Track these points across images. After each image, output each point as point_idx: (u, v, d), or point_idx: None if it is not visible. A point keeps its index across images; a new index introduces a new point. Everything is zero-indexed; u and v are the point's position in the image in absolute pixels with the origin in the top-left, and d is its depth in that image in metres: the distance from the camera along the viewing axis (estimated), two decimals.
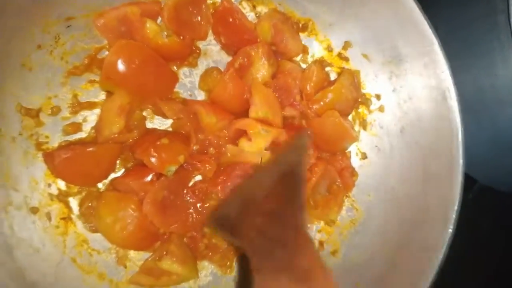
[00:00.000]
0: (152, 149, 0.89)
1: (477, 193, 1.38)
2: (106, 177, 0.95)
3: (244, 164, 0.98)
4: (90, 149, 0.90)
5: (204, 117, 0.97)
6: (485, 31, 0.97)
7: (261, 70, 1.01)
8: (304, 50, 1.09)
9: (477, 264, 1.40)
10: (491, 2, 0.91)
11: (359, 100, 1.08)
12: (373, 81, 1.08)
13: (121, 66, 0.89)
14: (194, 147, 0.98)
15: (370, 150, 1.10)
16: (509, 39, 0.85)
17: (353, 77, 1.06)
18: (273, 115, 0.98)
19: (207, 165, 0.96)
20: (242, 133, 0.96)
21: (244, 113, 0.99)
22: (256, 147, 0.94)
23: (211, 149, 0.99)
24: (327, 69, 1.10)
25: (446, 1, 1.13)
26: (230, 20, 1.00)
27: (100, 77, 0.94)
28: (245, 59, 1.00)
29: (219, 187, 0.97)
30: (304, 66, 1.09)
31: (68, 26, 0.91)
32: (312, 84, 1.04)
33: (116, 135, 0.92)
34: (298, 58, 1.09)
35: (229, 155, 0.99)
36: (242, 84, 0.99)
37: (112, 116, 0.91)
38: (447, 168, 0.95)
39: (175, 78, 1.01)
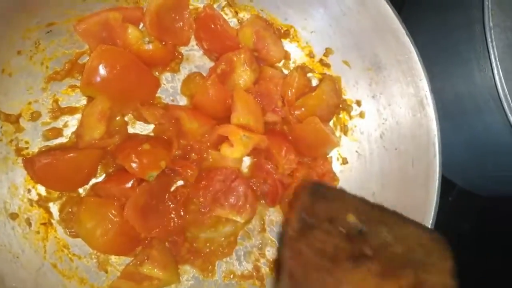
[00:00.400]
0: (133, 155, 0.89)
1: (456, 197, 1.41)
2: (87, 183, 0.95)
3: (225, 169, 0.99)
4: (71, 154, 0.90)
5: (186, 122, 0.97)
6: (463, 40, 0.99)
7: (243, 76, 1.02)
8: (286, 56, 1.10)
9: (456, 267, 1.43)
10: (468, 12, 0.93)
11: (340, 106, 1.10)
12: (353, 87, 1.09)
13: (102, 71, 0.90)
14: (176, 152, 0.98)
15: (351, 155, 1.11)
16: (484, 49, 0.87)
17: (334, 83, 1.07)
18: (255, 122, 0.99)
19: (189, 171, 0.97)
20: (224, 139, 0.97)
21: (226, 118, 1.00)
22: (237, 153, 0.95)
23: (193, 154, 1.00)
24: (309, 75, 1.11)
25: (427, 10, 1.16)
26: (212, 26, 1.01)
27: (81, 83, 0.94)
28: (228, 65, 1.01)
29: (200, 192, 0.98)
30: (286, 72, 1.10)
31: (49, 32, 0.91)
32: (293, 90, 1.04)
33: (97, 141, 0.92)
34: (280, 64, 1.10)
35: (211, 160, 1.00)
36: (224, 90, 1.00)
37: (93, 121, 0.91)
38: (424, 174, 0.96)
39: (156, 84, 1.01)
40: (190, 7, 1.02)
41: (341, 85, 1.10)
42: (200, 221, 1.00)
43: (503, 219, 1.41)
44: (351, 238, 0.65)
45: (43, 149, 0.93)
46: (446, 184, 1.33)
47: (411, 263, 0.65)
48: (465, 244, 1.45)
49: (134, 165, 0.89)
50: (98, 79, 0.90)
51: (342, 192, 0.75)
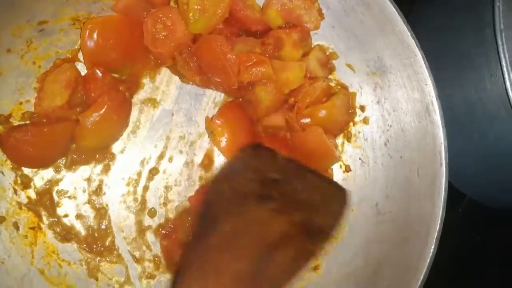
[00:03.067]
0: None
1: (466, 208, 1.36)
2: (60, 157, 0.92)
3: None
4: (45, 129, 0.86)
5: None
6: (473, 45, 0.94)
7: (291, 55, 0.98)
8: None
9: (466, 278, 1.37)
10: (478, 14, 0.88)
11: (350, 124, 1.06)
12: (358, 92, 1.05)
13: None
14: None
15: (354, 162, 1.07)
16: (495, 53, 0.82)
17: (348, 99, 1.02)
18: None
19: None
20: None
21: None
22: None
23: None
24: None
25: (436, 13, 1.11)
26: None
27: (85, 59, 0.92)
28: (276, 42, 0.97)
29: None
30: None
31: (41, 30, 0.88)
32: (309, 100, 0.99)
33: (56, 109, 0.87)
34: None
35: None
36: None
37: (57, 88, 0.88)
38: (430, 184, 0.91)
39: None
40: None
41: (355, 101, 1.05)
42: None
43: None
44: (264, 183, 0.79)
45: (15, 125, 0.89)
46: (455, 195, 1.29)
47: (308, 206, 0.79)
48: (476, 256, 1.40)
49: None
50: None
51: (274, 153, 0.85)
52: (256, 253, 0.73)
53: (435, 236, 0.88)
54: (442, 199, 0.89)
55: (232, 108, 1.00)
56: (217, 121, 0.97)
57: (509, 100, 0.82)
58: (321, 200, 0.82)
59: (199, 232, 0.76)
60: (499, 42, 0.80)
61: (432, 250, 0.87)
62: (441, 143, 0.89)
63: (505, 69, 0.80)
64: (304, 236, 0.77)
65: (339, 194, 0.84)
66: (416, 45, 0.88)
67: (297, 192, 0.81)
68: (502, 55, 0.80)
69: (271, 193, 0.78)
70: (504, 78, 0.81)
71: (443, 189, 0.89)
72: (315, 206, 0.81)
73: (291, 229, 0.76)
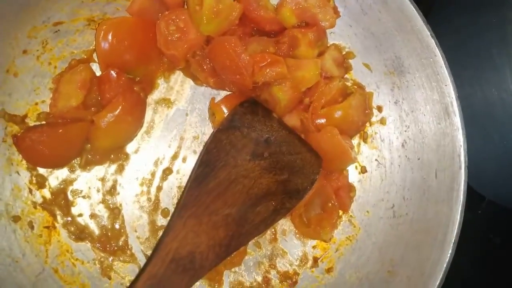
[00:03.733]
0: None
1: (486, 210, 1.33)
2: (75, 157, 0.93)
3: None
4: (60, 130, 0.87)
5: None
6: (495, 43, 0.91)
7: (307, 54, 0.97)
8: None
9: (484, 280, 1.35)
10: (500, 11, 0.85)
11: (367, 124, 1.04)
12: (375, 92, 1.03)
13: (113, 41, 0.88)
14: None
15: (370, 164, 1.05)
16: None
17: (365, 100, 1.00)
18: None
19: None
20: None
21: None
22: None
23: None
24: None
25: (457, 11, 1.08)
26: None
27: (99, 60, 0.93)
28: (291, 41, 0.96)
29: None
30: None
31: (57, 31, 0.89)
32: (324, 100, 0.98)
33: (72, 109, 0.88)
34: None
35: None
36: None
37: (72, 88, 0.88)
38: (448, 188, 0.89)
39: None
40: None
41: (372, 102, 1.03)
42: None
43: None
44: (257, 143, 0.92)
45: (30, 125, 0.90)
46: (475, 197, 1.26)
47: (290, 168, 0.93)
48: (496, 258, 1.37)
49: None
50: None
51: (269, 113, 0.95)
52: (244, 202, 0.89)
53: (453, 240, 0.86)
54: (461, 203, 0.87)
55: (239, 98, 0.99)
56: (221, 105, 0.97)
57: None
58: (301, 164, 0.94)
59: (199, 176, 0.89)
60: None
61: (449, 255, 0.85)
62: (461, 146, 0.87)
63: None
64: (284, 194, 0.92)
65: (315, 161, 0.95)
66: (436, 44, 0.86)
67: (283, 154, 0.93)
68: None
69: (263, 151, 0.92)
70: None
71: (462, 192, 0.87)
72: (296, 169, 0.93)
73: (274, 186, 0.91)
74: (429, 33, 0.84)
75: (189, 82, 1.00)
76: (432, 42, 0.85)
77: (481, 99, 1.00)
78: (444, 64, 0.85)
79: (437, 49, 0.85)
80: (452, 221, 0.86)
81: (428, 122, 0.94)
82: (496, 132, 1.01)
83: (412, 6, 0.84)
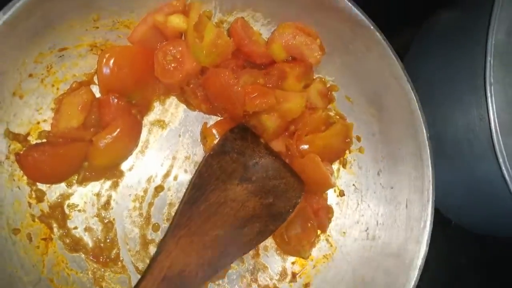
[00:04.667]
0: None
1: (453, 231, 1.42)
2: (73, 175, 0.99)
3: None
4: (61, 151, 0.92)
5: None
6: (465, 92, 0.99)
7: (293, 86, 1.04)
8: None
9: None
10: (471, 67, 0.94)
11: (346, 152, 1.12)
12: (355, 123, 1.10)
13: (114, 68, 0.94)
14: None
15: (348, 188, 1.13)
16: (484, 102, 0.88)
17: (346, 130, 1.09)
18: None
19: None
20: None
21: None
22: None
23: None
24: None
25: (431, 57, 1.16)
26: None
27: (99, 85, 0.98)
28: (279, 74, 1.03)
29: None
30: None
31: (61, 56, 0.94)
32: (308, 128, 1.06)
33: (73, 130, 0.93)
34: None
35: None
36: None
37: (73, 110, 0.93)
38: (417, 217, 0.98)
39: None
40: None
41: (352, 133, 1.11)
42: None
43: (502, 254, 1.42)
44: (246, 167, 0.98)
45: (32, 144, 0.95)
46: (442, 220, 1.35)
47: (275, 192, 0.99)
48: (463, 277, 1.46)
49: None
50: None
51: (257, 138, 1.02)
52: (232, 223, 0.96)
53: (419, 266, 0.94)
54: (427, 233, 0.95)
55: (230, 123, 1.05)
56: (213, 130, 1.04)
57: (493, 147, 0.88)
58: (284, 189, 1.00)
59: (191, 198, 0.95)
60: (488, 94, 0.85)
61: (414, 281, 0.93)
62: (429, 181, 0.96)
63: (492, 118, 0.86)
64: (268, 217, 0.99)
65: (298, 186, 1.01)
66: (412, 88, 0.93)
67: (269, 178, 0.99)
68: (490, 106, 0.86)
69: (251, 176, 0.98)
70: (490, 127, 0.87)
71: (429, 223, 0.96)
72: (280, 193, 1.00)
73: (260, 209, 0.98)
74: (406, 79, 0.92)
75: (183, 106, 1.07)
76: (408, 87, 0.93)
77: (452, 137, 1.08)
78: (419, 107, 0.93)
79: (412, 93, 0.93)
80: (419, 248, 0.95)
81: (402, 155, 1.02)
82: (463, 166, 1.09)
83: (394, 57, 0.91)
